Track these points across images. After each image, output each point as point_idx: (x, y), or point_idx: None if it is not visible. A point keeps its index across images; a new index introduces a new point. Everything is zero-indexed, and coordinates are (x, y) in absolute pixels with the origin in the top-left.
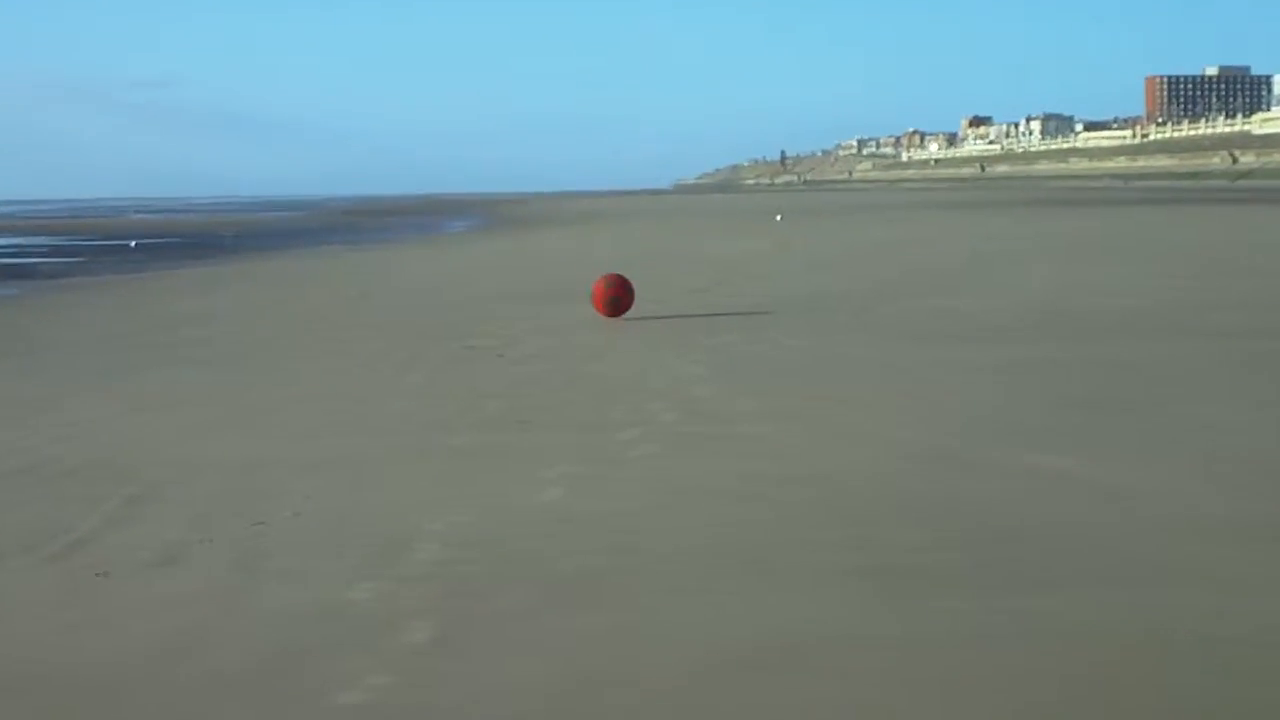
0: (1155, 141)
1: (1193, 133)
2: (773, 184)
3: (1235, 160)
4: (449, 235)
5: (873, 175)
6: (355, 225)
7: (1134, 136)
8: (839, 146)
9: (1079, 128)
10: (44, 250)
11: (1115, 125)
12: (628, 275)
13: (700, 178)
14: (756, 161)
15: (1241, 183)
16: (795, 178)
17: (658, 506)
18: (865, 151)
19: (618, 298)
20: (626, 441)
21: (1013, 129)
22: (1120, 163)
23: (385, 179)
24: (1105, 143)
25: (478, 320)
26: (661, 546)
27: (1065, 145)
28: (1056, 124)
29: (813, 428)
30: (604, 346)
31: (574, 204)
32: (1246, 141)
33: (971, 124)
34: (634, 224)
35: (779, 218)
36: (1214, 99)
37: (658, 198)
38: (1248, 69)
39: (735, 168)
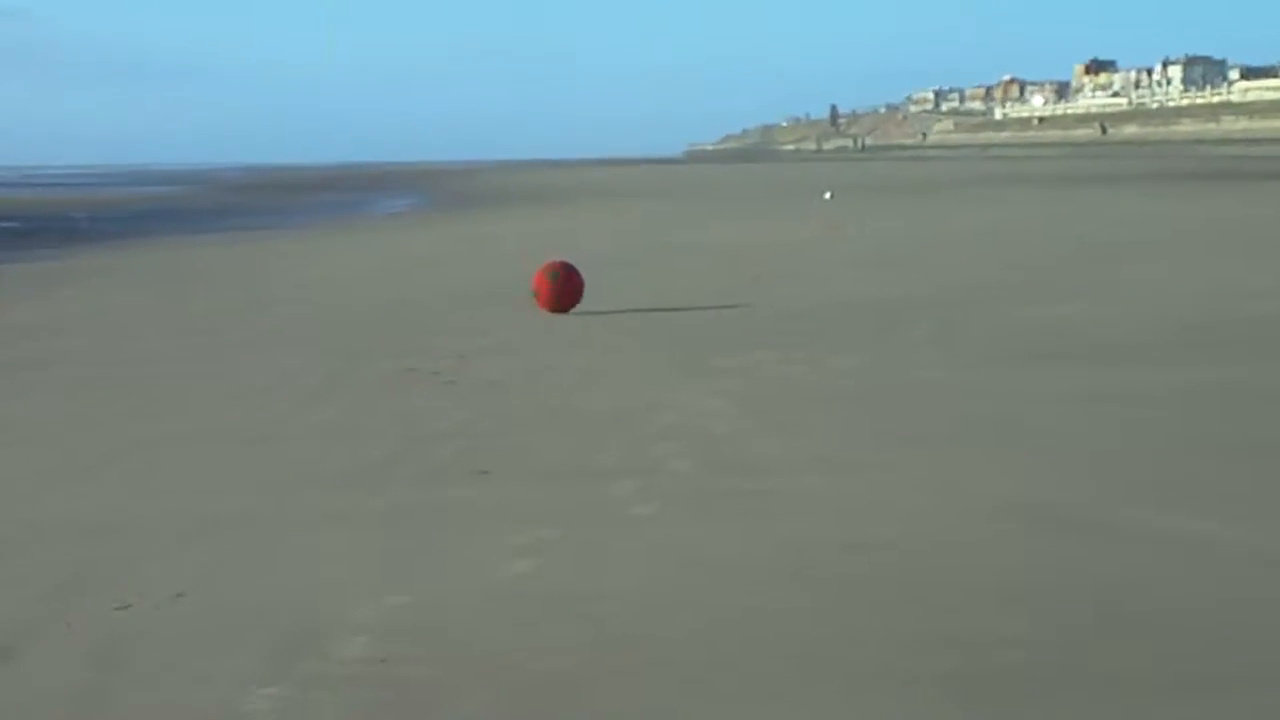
0: None
1: None
2: (820, 150)
3: None
4: (378, 219)
5: (955, 138)
6: (252, 205)
7: None
8: (909, 101)
9: (1234, 75)
10: None
11: None
12: (625, 273)
13: (722, 142)
14: (797, 120)
15: None
16: (850, 142)
17: (663, 586)
18: (945, 107)
19: (574, 286)
20: (622, 497)
21: (1144, 77)
22: None
23: (293, 144)
24: (1271, 94)
25: (418, 332)
26: (668, 642)
27: (1216, 99)
28: (1204, 70)
29: (874, 480)
30: (590, 367)
31: (553, 176)
32: None
33: (1089, 70)
34: (633, 203)
35: (828, 195)
36: None
37: (666, 169)
38: None
39: (769, 129)
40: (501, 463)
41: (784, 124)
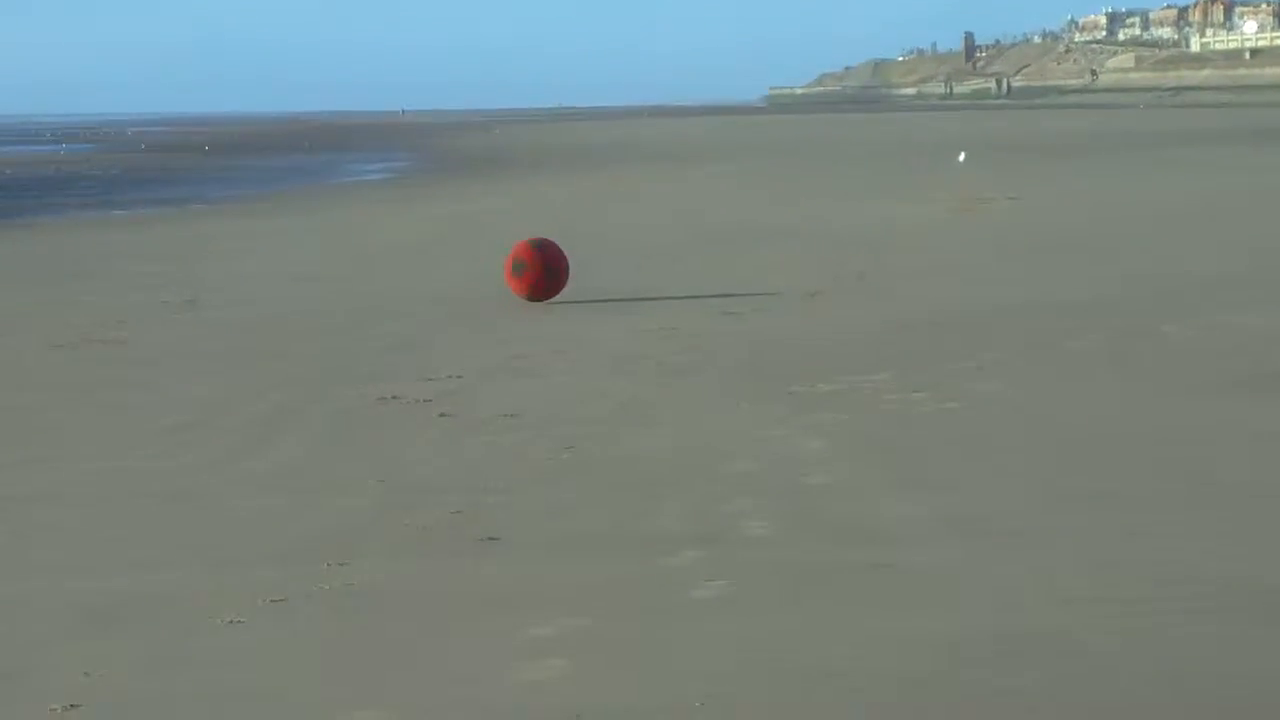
0: None
1: None
2: (949, 94)
3: None
4: (346, 191)
5: (1135, 77)
6: (174, 171)
7: None
8: (1073, 26)
9: None
10: None
11: None
12: (682, 264)
13: (817, 83)
14: (918, 53)
15: None
16: (992, 83)
17: (738, 703)
18: (1122, 35)
19: (554, 268)
20: (680, 573)
21: None
22: None
23: (230, 88)
24: None
25: (400, 346)
26: None
27: None
28: None
29: (1034, 552)
30: (635, 394)
31: (591, 131)
32: None
33: None
34: (695, 168)
35: (962, 158)
36: None
37: (741, 121)
38: None
39: (880, 67)
40: (514, 526)
41: (899, 58)
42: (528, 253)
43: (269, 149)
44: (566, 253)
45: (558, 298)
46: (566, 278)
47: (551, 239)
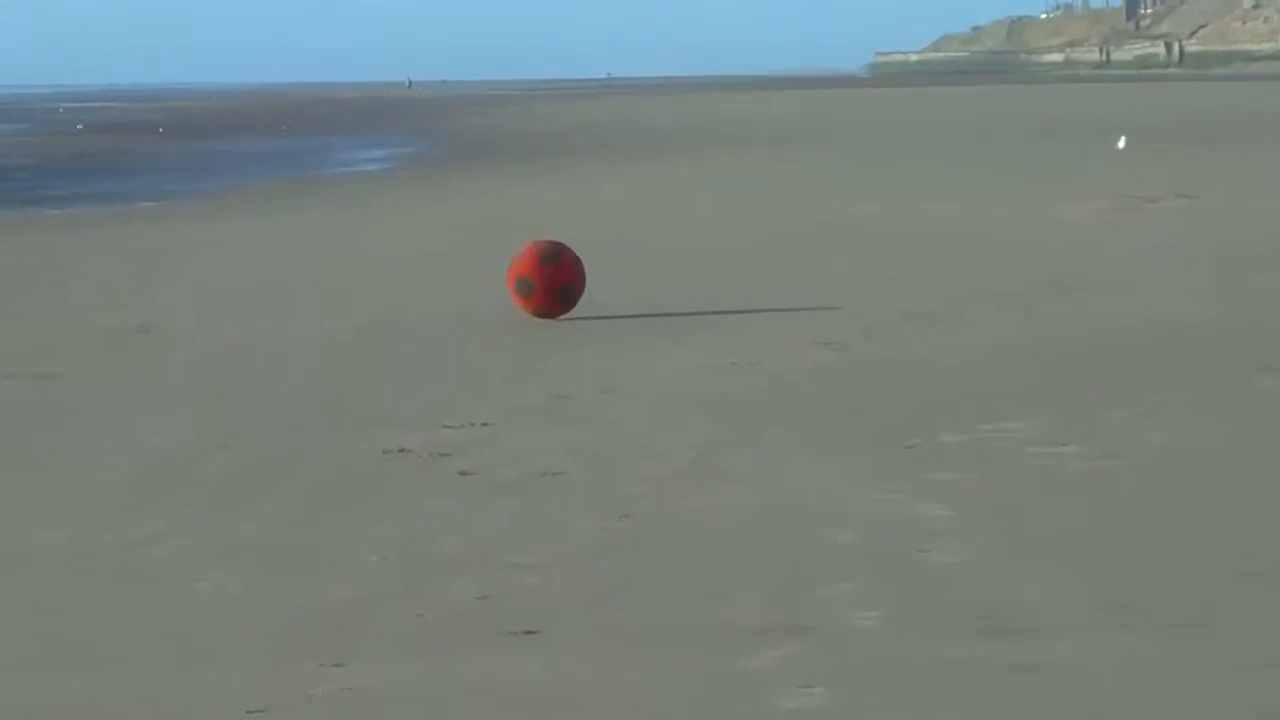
0: None
1: None
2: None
3: None
4: (340, 184)
5: None
6: (122, 158)
7: None
8: None
9: None
10: None
11: None
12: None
13: (935, 47)
14: (1065, 10)
15: None
16: (1160, 47)
17: None
18: None
19: (567, 286)
20: (768, 677)
21: None
22: None
23: (195, 56)
24: None
25: (409, 382)
26: None
27: None
28: None
29: (1224, 651)
30: (704, 443)
31: (653, 108)
32: None
33: None
34: (781, 157)
35: (1121, 143)
36: None
37: (839, 95)
38: None
39: (1016, 26)
40: (555, 615)
41: (1044, 16)
42: (534, 268)
43: (240, 130)
44: (612, 259)
45: (608, 317)
46: (582, 289)
47: (563, 244)
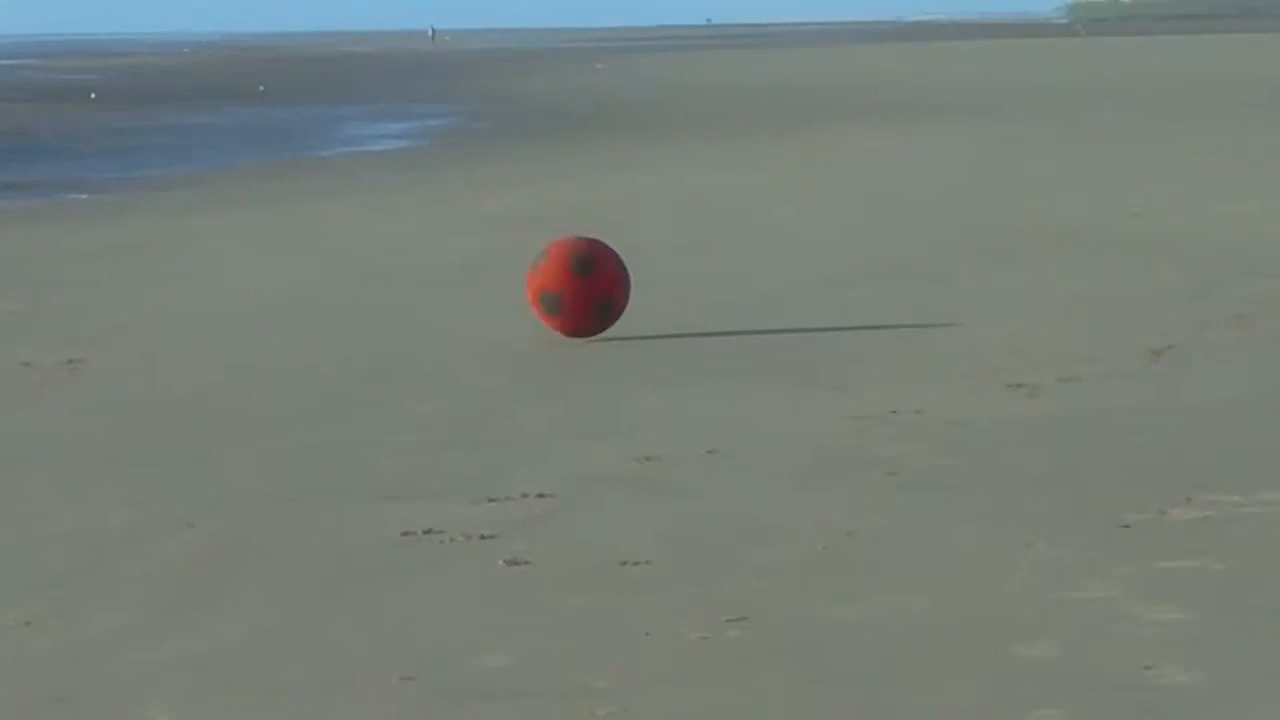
0: None
1: None
2: None
3: None
4: (340, 168)
5: None
6: (39, 135)
7: None
8: None
9: None
10: None
11: None
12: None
13: None
14: None
15: None
16: None
17: None
18: None
19: (605, 302)
20: None
21: None
22: None
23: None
24: None
25: (440, 438)
26: None
27: None
28: None
29: None
30: (850, 524)
31: (764, 65)
32: None
33: None
34: (953, 129)
35: None
36: None
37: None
38: None
39: None
40: None
41: None
42: (563, 278)
43: (205, 95)
44: (711, 269)
45: (709, 345)
46: (626, 299)
47: (599, 241)
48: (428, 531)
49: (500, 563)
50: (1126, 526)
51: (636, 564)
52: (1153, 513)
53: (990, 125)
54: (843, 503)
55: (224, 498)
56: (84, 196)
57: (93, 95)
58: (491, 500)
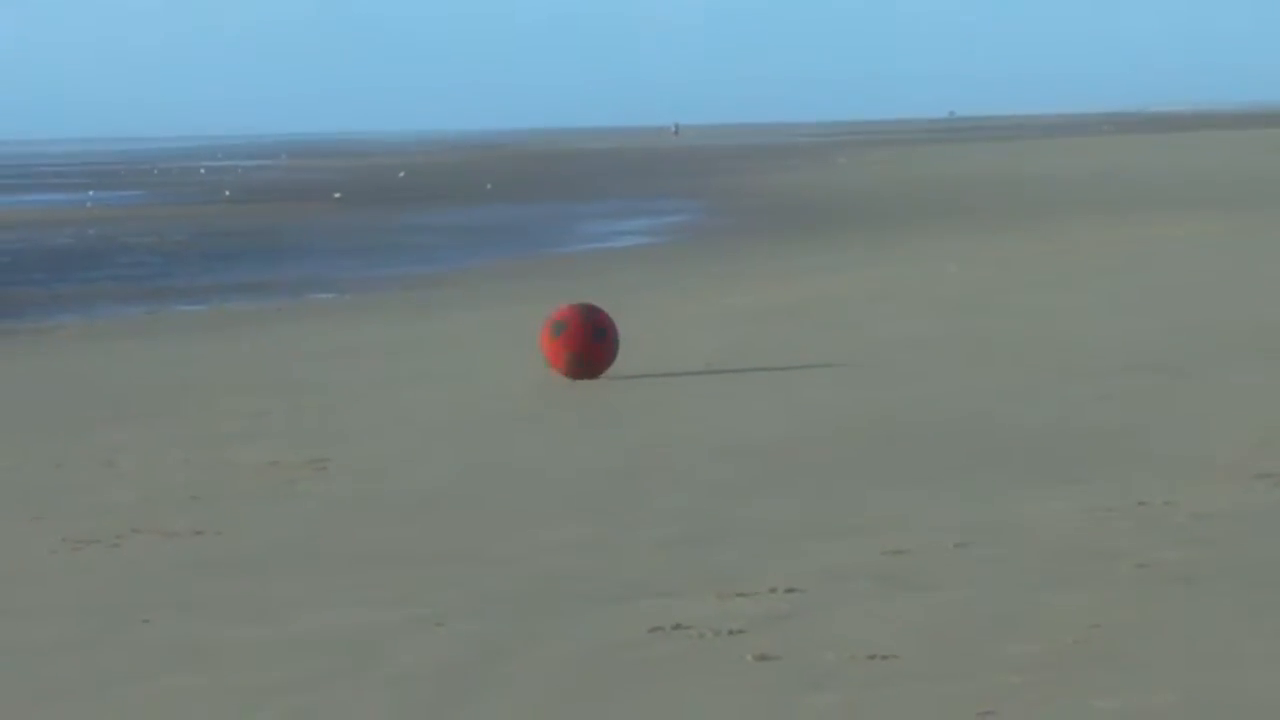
0: None
1: None
2: None
3: None
4: (580, 264)
5: None
6: (284, 235)
7: None
8: None
9: None
10: None
11: None
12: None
13: None
14: None
15: None
16: None
17: None
18: None
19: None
20: None
21: None
22: None
23: (390, 96)
24: None
25: (686, 533)
26: None
27: None
28: None
29: None
30: (1103, 617)
31: (1012, 156)
32: None
33: None
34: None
35: None
36: None
37: None
38: None
39: None
40: None
41: None
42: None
43: (438, 195)
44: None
45: (955, 442)
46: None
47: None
48: (676, 627)
49: (749, 658)
50: None
51: (886, 658)
52: None
53: (1239, 216)
54: (1090, 596)
55: (471, 597)
56: (331, 296)
57: (337, 195)
58: (740, 595)
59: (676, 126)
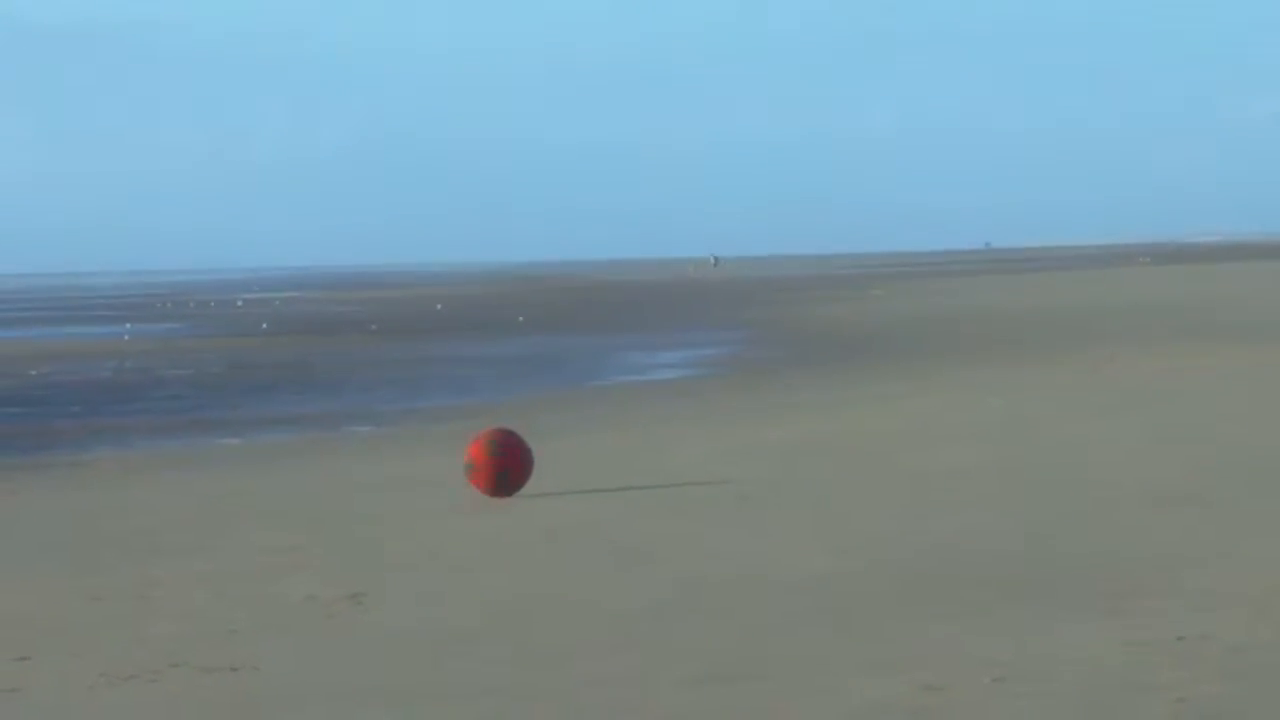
0: None
1: None
2: None
3: None
4: (619, 399)
5: None
6: (320, 367)
7: None
8: None
9: None
10: None
11: None
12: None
13: None
14: None
15: None
16: None
17: None
18: None
19: (505, 468)
20: None
21: None
22: None
23: (422, 230)
24: None
25: (722, 671)
26: None
27: None
28: None
29: None
30: None
31: (1048, 287)
32: None
33: None
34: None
35: None
36: None
37: None
38: None
39: None
40: None
41: None
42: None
43: (478, 326)
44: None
45: (987, 578)
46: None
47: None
48: None
49: None
50: None
51: None
52: None
53: (1268, 348)
54: None
55: None
56: (368, 429)
57: (373, 327)
58: None
59: (715, 259)
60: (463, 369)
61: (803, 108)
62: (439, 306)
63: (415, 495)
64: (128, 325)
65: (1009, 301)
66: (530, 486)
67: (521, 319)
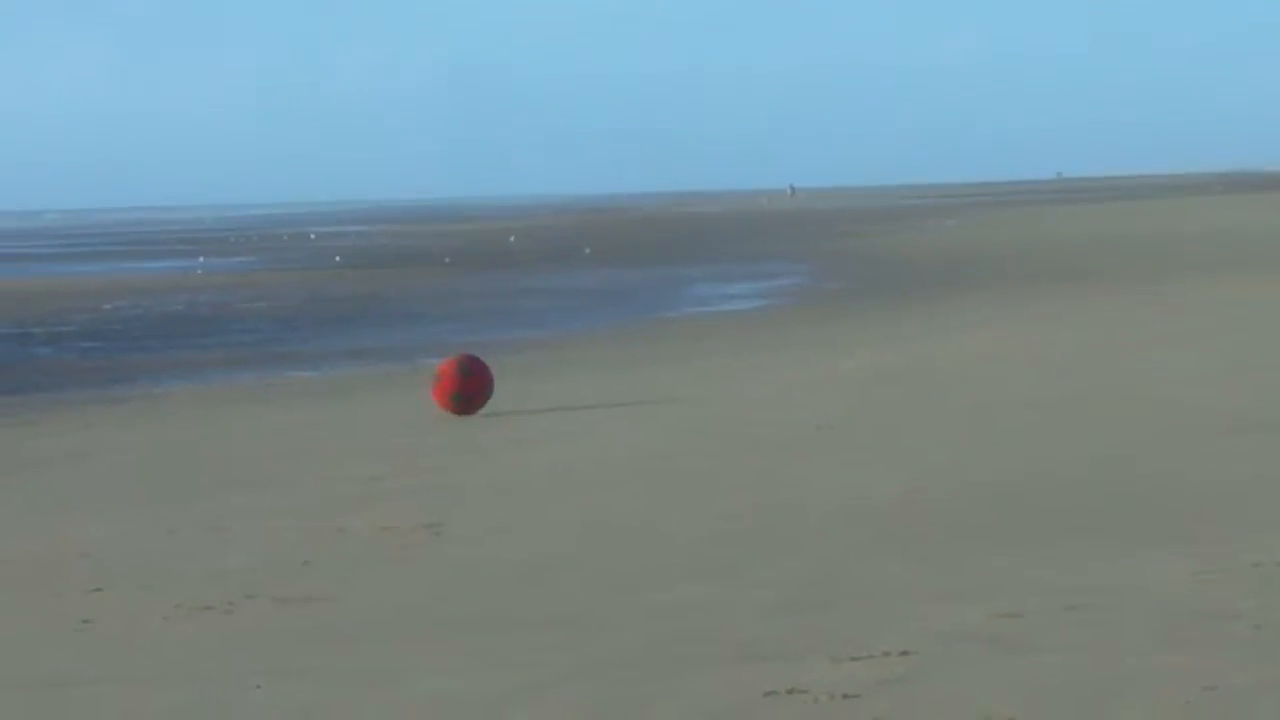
0: None
1: None
2: None
3: None
4: (690, 329)
5: None
6: (394, 299)
7: None
8: None
9: None
10: None
11: None
12: None
13: None
14: None
15: None
16: None
17: None
18: None
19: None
20: None
21: None
22: None
23: (496, 161)
24: None
25: (802, 598)
26: None
27: None
28: None
29: None
30: (1219, 679)
31: (1123, 217)
32: None
33: None
34: None
35: None
36: None
37: None
38: None
39: None
40: None
41: None
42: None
43: (554, 257)
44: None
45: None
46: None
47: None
48: (791, 691)
49: None
50: None
51: None
52: None
53: None
54: (1204, 658)
55: (586, 661)
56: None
57: (447, 260)
58: (853, 659)
59: (792, 188)
60: (534, 301)
61: (880, 38)
62: (511, 239)
63: (488, 426)
64: (201, 259)
65: (1082, 231)
66: (601, 419)
67: (588, 250)
